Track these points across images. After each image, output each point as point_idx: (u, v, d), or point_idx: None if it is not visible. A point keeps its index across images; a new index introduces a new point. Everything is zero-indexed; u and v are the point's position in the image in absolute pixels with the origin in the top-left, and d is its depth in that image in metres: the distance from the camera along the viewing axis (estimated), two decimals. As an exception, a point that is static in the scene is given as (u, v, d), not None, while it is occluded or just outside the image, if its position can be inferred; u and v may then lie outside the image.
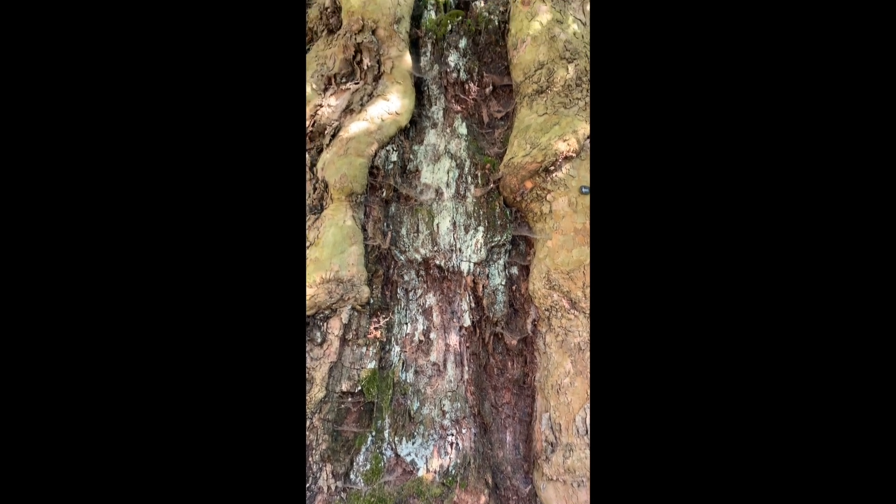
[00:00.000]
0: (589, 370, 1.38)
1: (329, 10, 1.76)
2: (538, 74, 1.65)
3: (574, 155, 1.50)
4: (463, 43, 1.73)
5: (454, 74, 1.72)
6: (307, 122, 1.65)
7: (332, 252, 1.47)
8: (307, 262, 1.47)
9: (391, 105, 1.62)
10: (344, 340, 1.45)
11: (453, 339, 1.54)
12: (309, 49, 1.83)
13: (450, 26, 1.71)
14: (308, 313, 1.42)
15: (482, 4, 1.82)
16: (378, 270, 1.54)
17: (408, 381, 1.49)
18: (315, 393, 1.38)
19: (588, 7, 1.79)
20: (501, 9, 1.81)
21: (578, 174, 1.50)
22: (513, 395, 1.57)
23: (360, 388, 1.42)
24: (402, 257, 1.58)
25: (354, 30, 1.62)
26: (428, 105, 1.73)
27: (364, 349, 1.46)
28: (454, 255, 1.55)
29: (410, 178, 1.66)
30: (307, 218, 1.56)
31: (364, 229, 1.55)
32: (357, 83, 1.65)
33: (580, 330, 1.45)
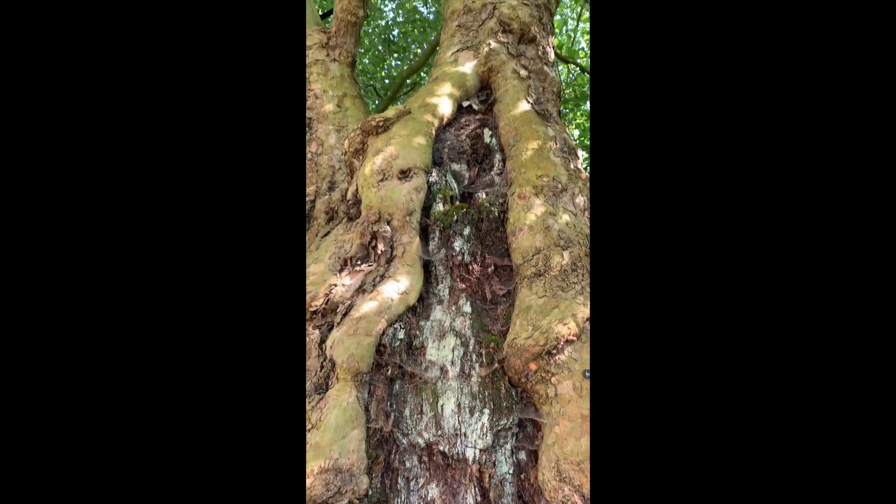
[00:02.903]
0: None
1: (350, 202, 2.02)
2: (536, 259, 1.80)
3: (575, 338, 1.56)
4: (467, 230, 1.93)
5: (459, 257, 1.89)
6: (321, 300, 1.77)
7: (333, 437, 1.43)
8: (307, 447, 1.43)
9: (401, 285, 1.74)
10: (337, 542, 1.32)
11: (457, 540, 1.40)
12: (329, 232, 2.05)
13: (456, 216, 1.93)
14: (302, 509, 1.32)
15: (483, 196, 2.09)
16: (379, 456, 1.47)
17: None
18: None
19: (577, 199, 2.04)
20: (500, 200, 2.07)
21: (581, 357, 1.54)
22: None
23: None
24: (405, 441, 1.53)
25: (371, 220, 1.84)
26: (435, 283, 1.86)
27: (359, 553, 1.32)
28: (459, 441, 1.50)
29: (416, 354, 1.70)
30: (311, 398, 1.56)
31: (367, 410, 1.54)
32: (371, 265, 1.80)
33: (596, 533, 1.32)
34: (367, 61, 9.69)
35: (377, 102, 9.55)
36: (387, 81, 9.33)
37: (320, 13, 4.21)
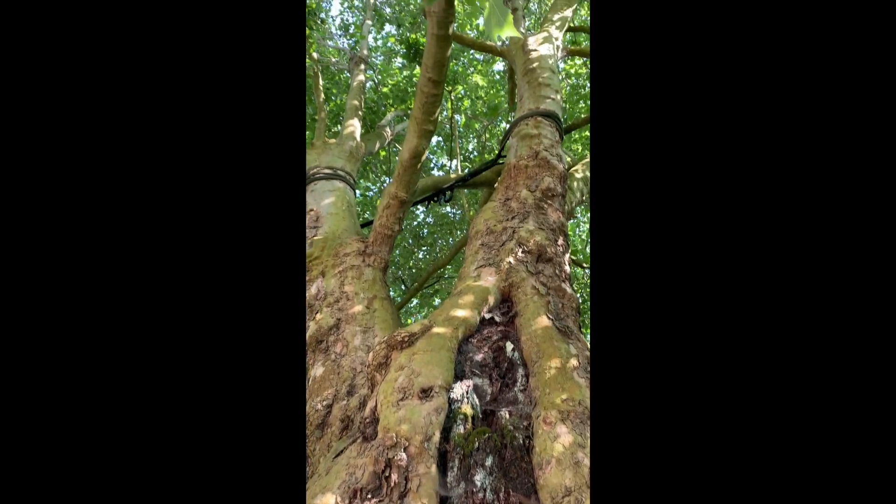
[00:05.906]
0: None
1: (367, 419, 1.96)
2: (567, 502, 1.61)
3: None
4: (489, 461, 1.79)
5: (480, 494, 1.70)
6: (322, 545, 1.55)
7: None
8: None
9: (413, 530, 1.54)
10: None
11: None
12: (342, 451, 1.93)
13: (477, 443, 1.82)
14: None
15: (507, 417, 1.99)
16: None
17: None
18: None
19: (606, 427, 1.91)
20: (525, 423, 1.96)
21: None
22: None
23: None
24: None
25: (388, 445, 1.74)
26: (452, 527, 1.64)
27: None
28: None
29: None
30: None
31: None
32: (382, 500, 1.63)
33: None
34: (397, 252, 10.67)
35: (403, 288, 10.14)
36: (413, 270, 10.09)
37: (361, 222, 4.84)
